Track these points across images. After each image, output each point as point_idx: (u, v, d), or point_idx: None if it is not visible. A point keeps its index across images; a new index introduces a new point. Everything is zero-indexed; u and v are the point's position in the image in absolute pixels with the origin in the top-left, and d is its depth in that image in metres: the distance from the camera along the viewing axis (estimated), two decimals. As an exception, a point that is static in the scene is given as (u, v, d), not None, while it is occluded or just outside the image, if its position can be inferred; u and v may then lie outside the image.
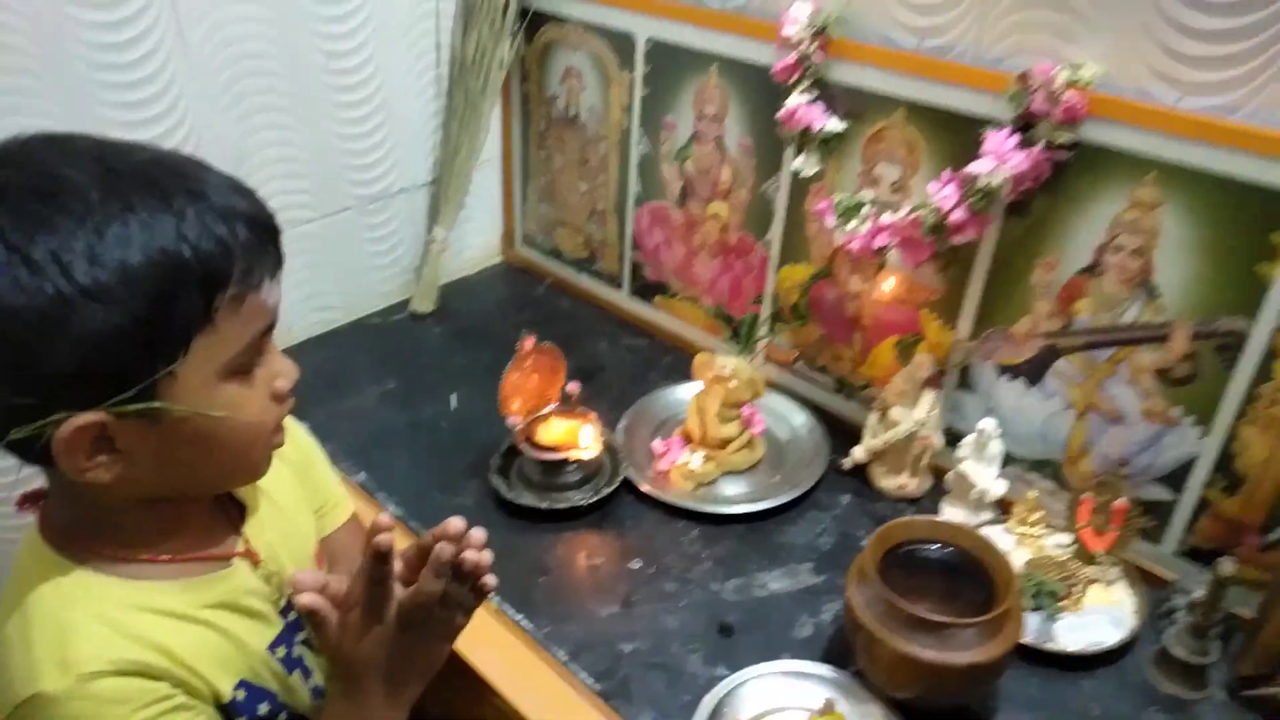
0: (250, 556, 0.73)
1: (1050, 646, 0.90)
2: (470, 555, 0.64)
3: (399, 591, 0.65)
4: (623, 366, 1.35)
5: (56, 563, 0.64)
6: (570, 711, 0.86)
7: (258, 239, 0.61)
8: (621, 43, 1.30)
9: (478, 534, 0.66)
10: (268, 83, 1.20)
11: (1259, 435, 0.89)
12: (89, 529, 0.65)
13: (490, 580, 0.67)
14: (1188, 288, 0.89)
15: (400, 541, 0.64)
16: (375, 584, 0.64)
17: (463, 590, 0.66)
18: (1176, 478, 0.95)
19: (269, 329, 0.65)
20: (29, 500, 0.68)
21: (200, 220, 0.57)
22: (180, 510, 0.69)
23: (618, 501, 1.09)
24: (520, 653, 0.91)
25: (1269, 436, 0.88)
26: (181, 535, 0.69)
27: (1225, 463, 0.91)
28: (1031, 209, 0.97)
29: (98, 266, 0.54)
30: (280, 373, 0.67)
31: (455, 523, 0.64)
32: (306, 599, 0.63)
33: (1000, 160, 0.92)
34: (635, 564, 1.01)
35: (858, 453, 1.11)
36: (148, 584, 0.66)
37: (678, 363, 1.33)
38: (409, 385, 1.29)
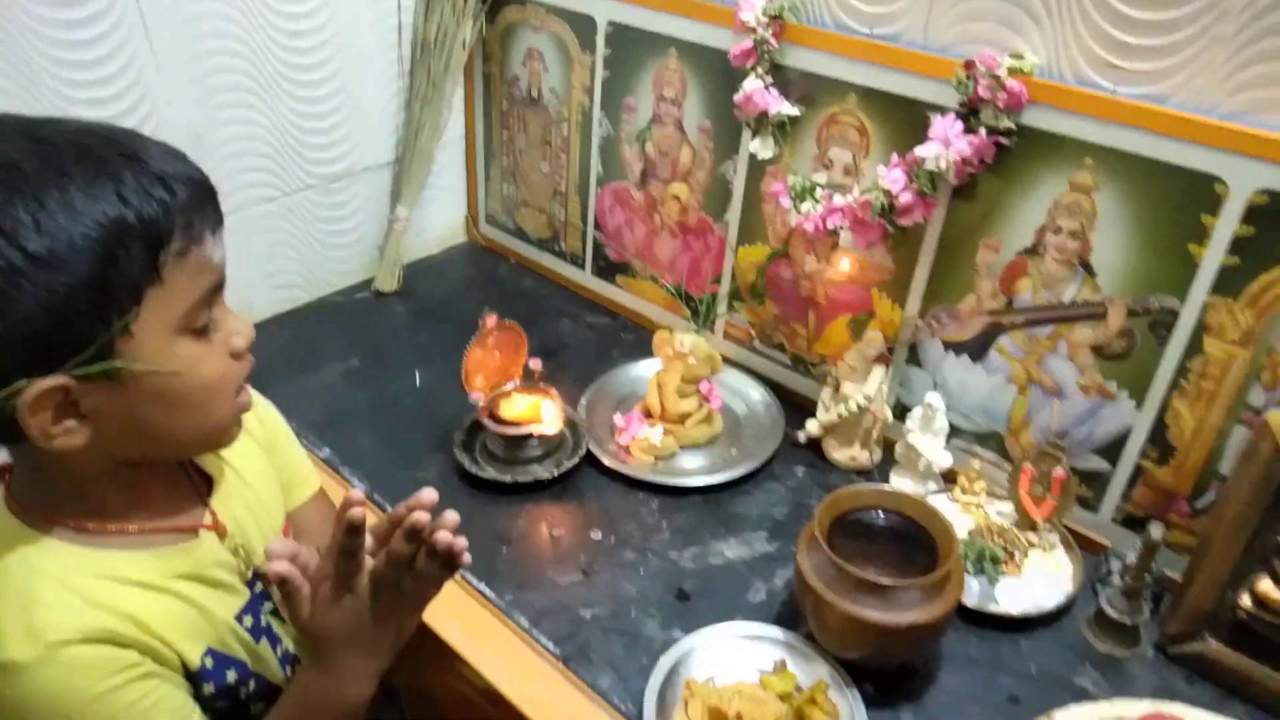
0: (217, 529, 0.74)
1: (992, 609, 0.94)
2: (443, 535, 0.66)
3: (369, 563, 0.67)
4: (585, 344, 1.37)
5: (24, 533, 0.65)
6: (532, 676, 0.89)
7: (196, 198, 0.62)
8: (583, 25, 1.31)
9: (451, 516, 0.67)
10: (228, 62, 1.20)
11: (1189, 407, 0.93)
12: (56, 500, 0.66)
13: (465, 556, 0.68)
14: (1123, 267, 0.94)
15: (368, 519, 0.65)
16: (346, 556, 0.66)
17: (433, 565, 0.68)
18: (1112, 449, 1.00)
19: (218, 287, 0.66)
20: None
21: (138, 183, 0.59)
22: (147, 482, 0.70)
23: (580, 475, 1.11)
24: (484, 621, 0.94)
25: (1198, 408, 0.93)
26: (148, 506, 0.70)
27: (1158, 434, 0.96)
28: (977, 192, 1.01)
29: (43, 234, 0.55)
30: (236, 330, 0.68)
31: (429, 493, 0.66)
32: (279, 567, 0.65)
33: (946, 145, 0.96)
34: (596, 534, 1.04)
35: (811, 426, 1.15)
36: (115, 554, 0.67)
37: (639, 340, 1.36)
38: (372, 362, 1.31)
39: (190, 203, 0.61)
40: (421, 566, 0.67)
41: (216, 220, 0.65)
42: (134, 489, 0.69)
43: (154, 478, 0.71)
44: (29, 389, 0.57)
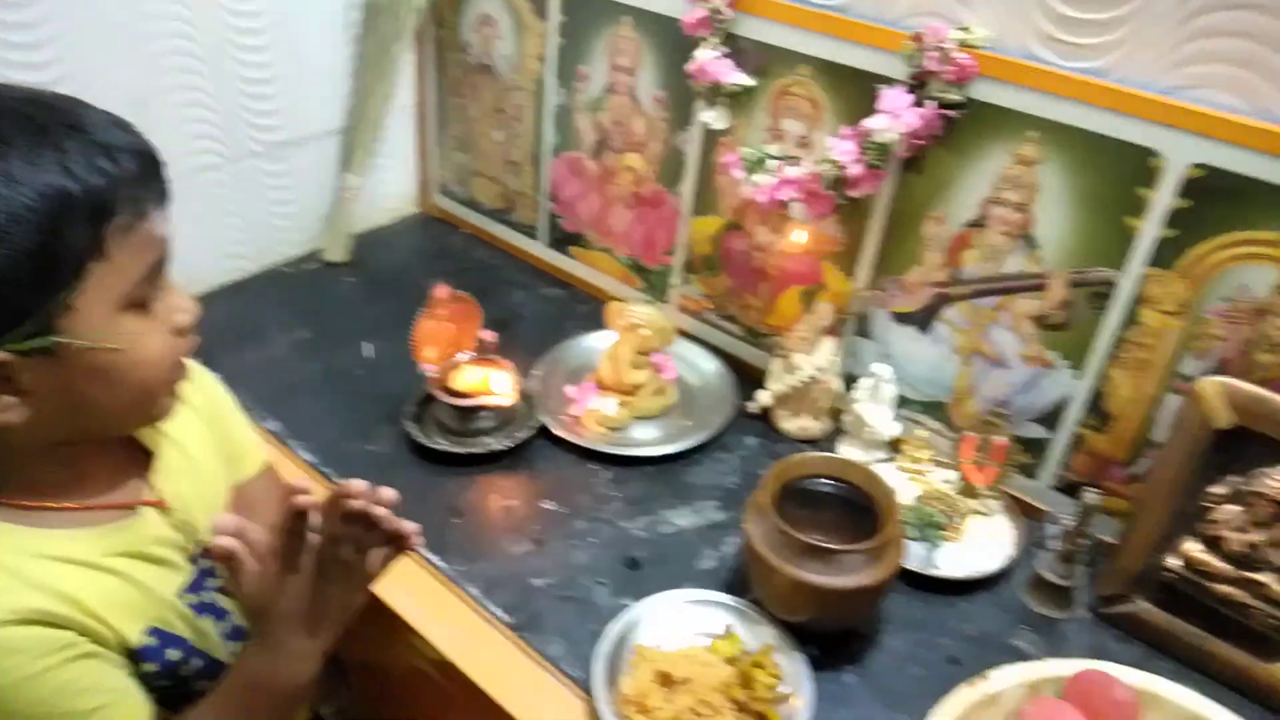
0: (159, 505, 0.73)
1: (934, 573, 0.97)
2: (380, 510, 0.66)
3: (313, 541, 0.67)
4: (539, 316, 1.37)
5: None
6: (484, 644, 0.89)
7: (142, 170, 0.61)
8: (536, -9, 1.30)
9: (387, 493, 0.67)
10: (170, 26, 1.17)
11: (1126, 377, 0.96)
12: None
13: (414, 539, 0.69)
14: (1064, 240, 0.96)
15: (316, 492, 0.65)
16: (291, 535, 0.65)
17: (375, 537, 0.68)
18: (1052, 417, 1.02)
19: (162, 262, 0.65)
20: None
21: (83, 153, 0.58)
22: (86, 458, 0.69)
23: (532, 446, 1.12)
24: (434, 591, 0.94)
25: (1134, 378, 0.95)
26: (87, 483, 0.69)
27: (1096, 403, 0.99)
28: (924, 165, 1.02)
29: None
30: (180, 307, 0.67)
31: (355, 484, 0.65)
32: (224, 542, 0.64)
33: (895, 117, 0.97)
34: (548, 505, 1.04)
35: (762, 397, 1.16)
36: (53, 532, 0.66)
37: (594, 312, 1.35)
38: (321, 334, 1.29)
39: (136, 175, 0.60)
40: (363, 538, 0.67)
41: (163, 194, 0.64)
42: (72, 465, 0.68)
43: (93, 454, 0.70)
44: None
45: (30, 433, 0.62)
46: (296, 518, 0.64)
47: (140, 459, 0.75)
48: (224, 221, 1.34)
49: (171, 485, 0.75)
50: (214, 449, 0.83)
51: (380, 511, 0.66)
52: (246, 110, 1.30)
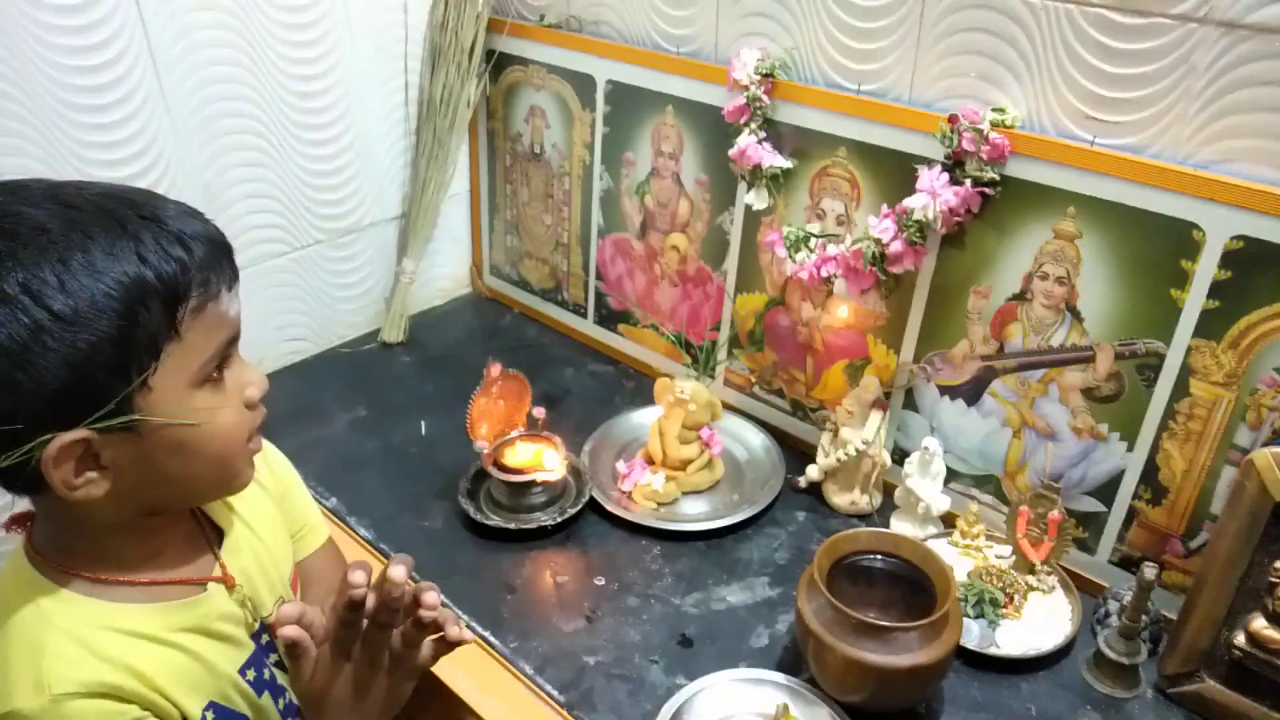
0: (226, 581, 0.75)
1: (992, 651, 0.95)
2: (426, 613, 0.67)
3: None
4: (588, 392, 1.39)
5: (38, 583, 0.66)
6: (537, 722, 0.90)
7: (213, 256, 0.65)
8: (583, 84, 1.36)
9: (429, 597, 0.67)
10: (241, 123, 1.25)
11: (1179, 448, 0.95)
12: (71, 550, 0.67)
13: (460, 632, 0.69)
14: (1109, 312, 0.96)
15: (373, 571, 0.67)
16: (345, 626, 0.67)
17: (420, 634, 0.69)
18: (1106, 490, 1.01)
19: (233, 340, 0.68)
20: (16, 522, 0.70)
21: (157, 243, 0.61)
22: (162, 533, 0.72)
23: (583, 521, 1.13)
24: (488, 667, 0.95)
25: (1187, 449, 0.94)
26: (160, 559, 0.71)
27: (1150, 475, 0.98)
28: (965, 240, 1.04)
29: (67, 294, 0.57)
30: (250, 381, 0.70)
31: (396, 573, 0.65)
32: (290, 631, 0.66)
33: (933, 195, 0.99)
34: (599, 580, 1.05)
35: (811, 471, 1.17)
36: (124, 606, 0.68)
37: (641, 388, 1.38)
38: (379, 412, 1.33)
39: (207, 260, 0.64)
40: (410, 634, 0.68)
41: (232, 276, 0.67)
42: (148, 540, 0.70)
43: (168, 529, 0.72)
44: (53, 443, 0.59)
45: (111, 506, 0.64)
46: (350, 609, 0.66)
47: (210, 535, 0.78)
48: (287, 305, 1.41)
49: (239, 562, 0.78)
50: (280, 526, 0.86)
51: (428, 615, 0.67)
52: (310, 200, 1.37)
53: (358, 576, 0.64)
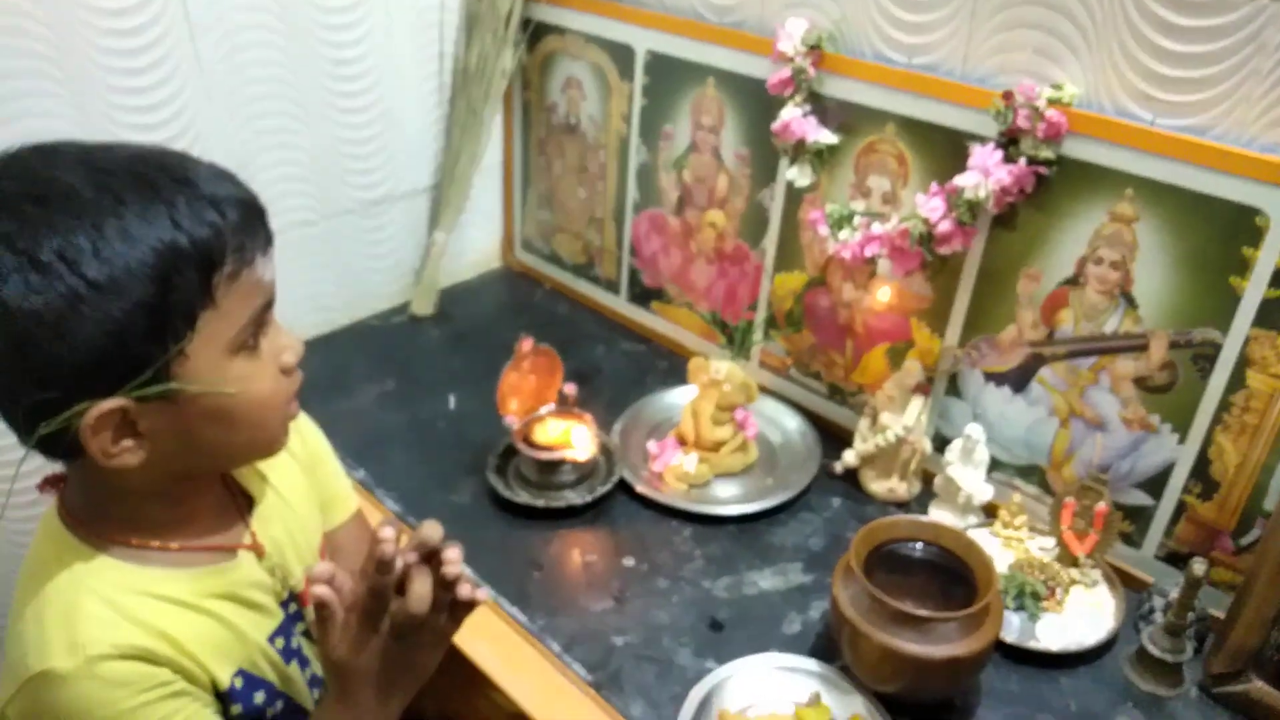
0: (256, 549, 0.75)
1: (1032, 645, 0.93)
2: (449, 569, 0.65)
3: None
4: (619, 370, 1.37)
5: (72, 546, 0.66)
6: (564, 702, 0.88)
7: (246, 219, 0.63)
8: (621, 54, 1.33)
9: (452, 553, 0.66)
10: (273, 89, 1.23)
11: (1233, 442, 0.92)
12: (104, 515, 0.67)
13: (473, 591, 0.68)
14: (1165, 299, 0.93)
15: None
16: (374, 595, 0.66)
17: (444, 596, 0.67)
18: (1155, 483, 0.98)
19: (268, 305, 0.67)
20: (49, 484, 0.70)
21: (190, 207, 0.60)
22: (194, 499, 0.71)
23: (612, 501, 1.11)
24: (515, 645, 0.94)
25: (1242, 443, 0.91)
26: (192, 525, 0.71)
27: (1201, 468, 0.95)
28: (1017, 221, 1.00)
29: (102, 260, 0.57)
30: (286, 346, 0.69)
31: (430, 529, 0.65)
32: (321, 591, 0.65)
33: (985, 174, 0.96)
34: (628, 561, 1.04)
35: (848, 457, 1.14)
36: (156, 571, 0.68)
37: (673, 367, 1.36)
38: (408, 386, 1.32)
39: (241, 224, 0.63)
40: (439, 596, 0.67)
41: (266, 240, 0.66)
42: (180, 505, 0.70)
43: (200, 495, 0.72)
44: (90, 411, 0.59)
45: (146, 473, 0.64)
46: (380, 572, 0.64)
47: (241, 503, 0.77)
48: (317, 275, 1.39)
49: (269, 530, 0.77)
50: (311, 495, 0.85)
51: (451, 571, 0.66)
52: (342, 169, 1.35)
53: (387, 532, 0.63)
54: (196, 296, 0.60)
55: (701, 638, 0.94)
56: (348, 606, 0.67)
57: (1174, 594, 0.91)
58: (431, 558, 0.66)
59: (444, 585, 0.67)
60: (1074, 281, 0.98)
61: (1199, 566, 0.87)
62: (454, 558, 0.66)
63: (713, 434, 1.15)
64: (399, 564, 0.65)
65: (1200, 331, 0.91)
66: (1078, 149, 0.94)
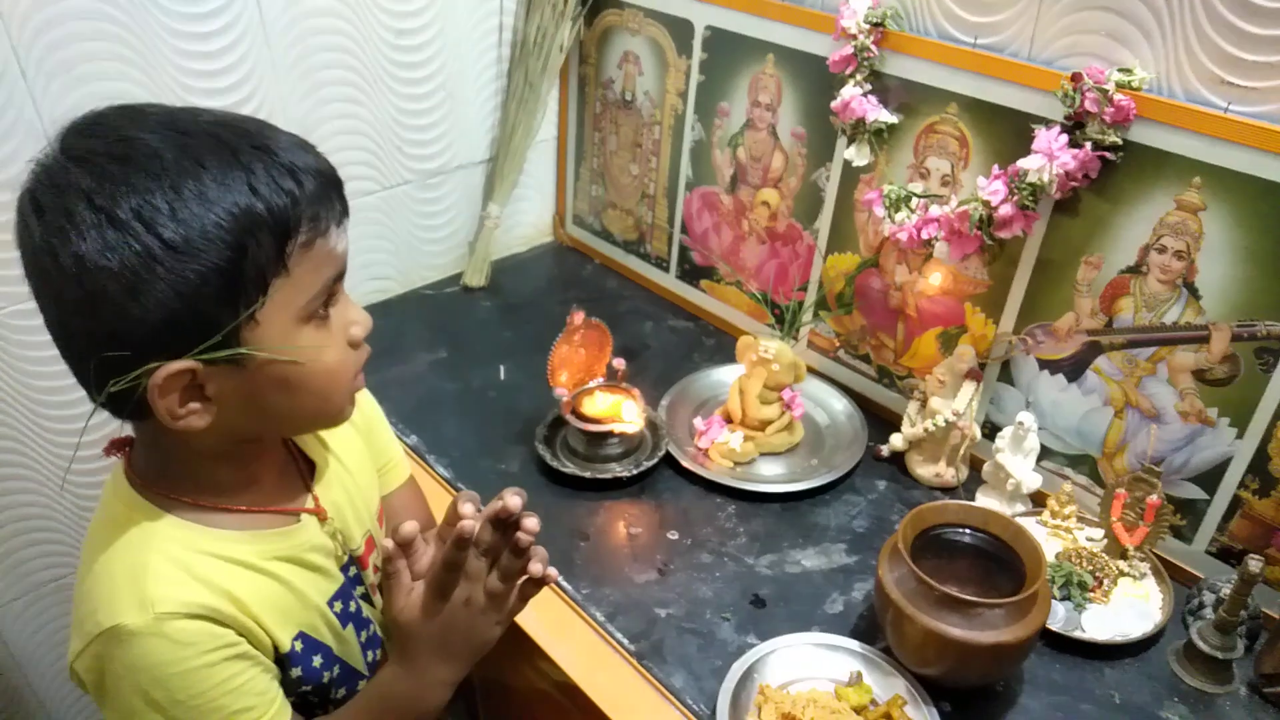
0: (318, 513, 0.76)
1: (1077, 635, 0.92)
2: (524, 536, 0.67)
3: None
4: (667, 347, 1.38)
5: (140, 505, 0.67)
6: (607, 671, 0.90)
7: (323, 190, 0.64)
8: (680, 29, 1.32)
9: (530, 523, 0.68)
10: (337, 58, 1.25)
11: (1295, 439, 0.90)
12: (171, 477, 0.68)
13: (545, 569, 0.70)
14: (1229, 290, 0.90)
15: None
16: (448, 567, 0.67)
17: (517, 565, 0.69)
18: (1210, 477, 0.96)
19: (340, 276, 0.67)
20: (116, 447, 0.71)
21: (269, 174, 0.60)
22: (258, 463, 0.72)
23: (658, 475, 1.12)
24: (560, 613, 0.95)
25: (1305, 441, 0.89)
26: (256, 489, 0.72)
27: (1259, 465, 0.93)
28: (1079, 207, 0.98)
29: (179, 222, 0.57)
30: (355, 320, 0.70)
31: (512, 498, 0.67)
32: (388, 544, 0.67)
33: (1050, 158, 0.94)
34: (672, 535, 1.05)
35: (896, 440, 1.14)
36: (222, 532, 0.69)
37: (721, 345, 1.36)
38: (459, 355, 1.34)
39: (317, 194, 0.63)
40: (507, 566, 0.69)
41: (342, 212, 0.66)
42: (245, 469, 0.71)
43: (264, 458, 0.73)
44: (159, 371, 0.59)
45: (212, 436, 0.65)
46: (457, 548, 0.66)
47: (303, 468, 0.79)
48: (373, 244, 1.42)
49: (330, 495, 0.79)
50: (368, 461, 0.86)
51: (526, 539, 0.68)
52: (401, 140, 1.37)
53: (468, 508, 0.64)
54: (270, 263, 0.61)
55: (744, 613, 0.95)
56: (420, 573, 0.68)
57: (1226, 590, 0.90)
58: (509, 527, 0.67)
59: (516, 552, 0.68)
60: (1135, 270, 0.96)
61: (1255, 564, 0.85)
62: (531, 527, 0.68)
63: (759, 412, 1.15)
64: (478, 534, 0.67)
65: (1265, 324, 0.89)
66: (1145, 134, 0.92)
